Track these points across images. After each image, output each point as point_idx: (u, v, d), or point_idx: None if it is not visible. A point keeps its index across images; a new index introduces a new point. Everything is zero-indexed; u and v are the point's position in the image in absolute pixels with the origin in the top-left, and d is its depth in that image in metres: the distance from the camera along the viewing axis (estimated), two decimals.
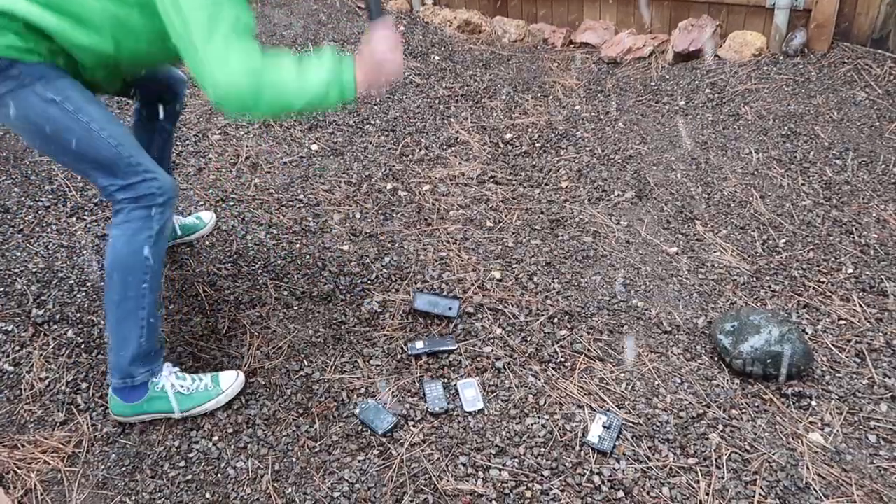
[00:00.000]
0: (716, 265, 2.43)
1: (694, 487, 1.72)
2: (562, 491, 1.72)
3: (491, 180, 2.96)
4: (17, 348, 2.16)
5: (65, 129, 1.67)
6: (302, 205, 2.80)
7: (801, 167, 2.85)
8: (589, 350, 2.11)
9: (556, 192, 2.87)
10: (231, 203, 2.81)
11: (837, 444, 1.81)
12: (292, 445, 1.87)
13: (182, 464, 1.83)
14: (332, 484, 1.76)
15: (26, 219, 2.69)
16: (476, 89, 3.68)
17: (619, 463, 1.78)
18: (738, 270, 2.39)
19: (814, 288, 2.30)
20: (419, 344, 2.12)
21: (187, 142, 3.19)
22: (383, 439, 1.87)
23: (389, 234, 2.63)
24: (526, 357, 2.09)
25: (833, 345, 2.10)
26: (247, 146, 3.18)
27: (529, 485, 1.73)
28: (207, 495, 1.76)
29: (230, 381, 1.97)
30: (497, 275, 2.41)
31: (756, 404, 1.93)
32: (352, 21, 4.44)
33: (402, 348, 2.14)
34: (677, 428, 1.86)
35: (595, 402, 1.95)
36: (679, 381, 2.00)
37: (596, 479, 1.74)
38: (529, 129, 3.31)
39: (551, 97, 3.58)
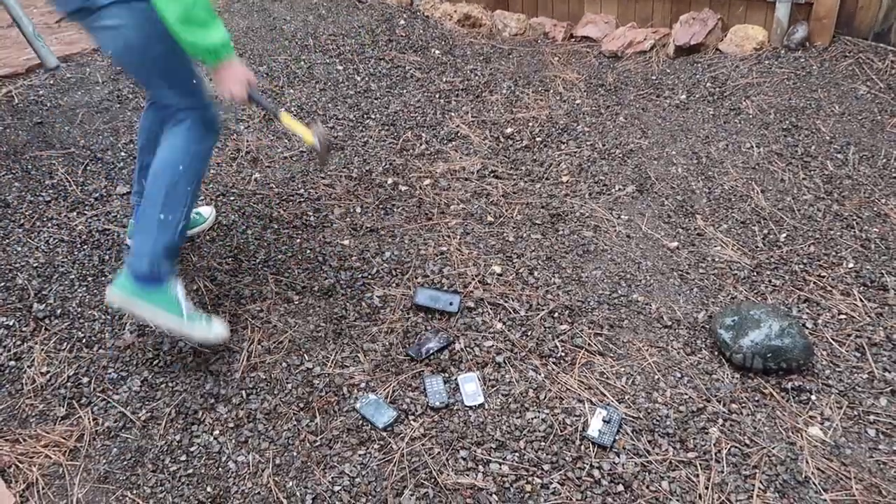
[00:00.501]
0: (716, 259, 2.43)
1: (693, 481, 1.72)
2: (562, 485, 1.72)
3: (491, 175, 2.96)
4: (19, 343, 2.17)
5: (161, 44, 1.83)
6: (302, 199, 2.80)
7: (802, 161, 2.84)
8: (589, 344, 2.11)
9: (556, 186, 2.87)
10: (231, 198, 2.81)
11: (837, 438, 1.81)
12: (293, 440, 1.87)
13: (183, 458, 1.84)
14: (332, 478, 1.77)
15: (27, 213, 2.69)
16: (476, 83, 3.68)
17: (618, 457, 1.78)
18: (739, 265, 2.39)
19: (814, 282, 2.30)
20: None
21: None
22: (384, 433, 1.87)
23: (390, 229, 2.63)
24: (526, 351, 2.10)
25: (833, 339, 2.10)
26: (247, 141, 3.17)
27: (529, 479, 1.74)
28: (208, 489, 1.76)
29: (218, 329, 2.02)
30: (497, 269, 2.41)
31: (756, 398, 1.93)
32: (351, 14, 4.42)
33: (402, 344, 2.14)
34: (677, 422, 1.86)
35: (595, 397, 1.95)
36: (679, 375, 2.01)
37: (596, 472, 1.74)
38: (530, 124, 3.30)
39: (552, 91, 3.58)
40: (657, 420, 1.87)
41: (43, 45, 3.20)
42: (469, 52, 4.02)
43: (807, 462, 1.75)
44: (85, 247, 2.55)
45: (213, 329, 2.02)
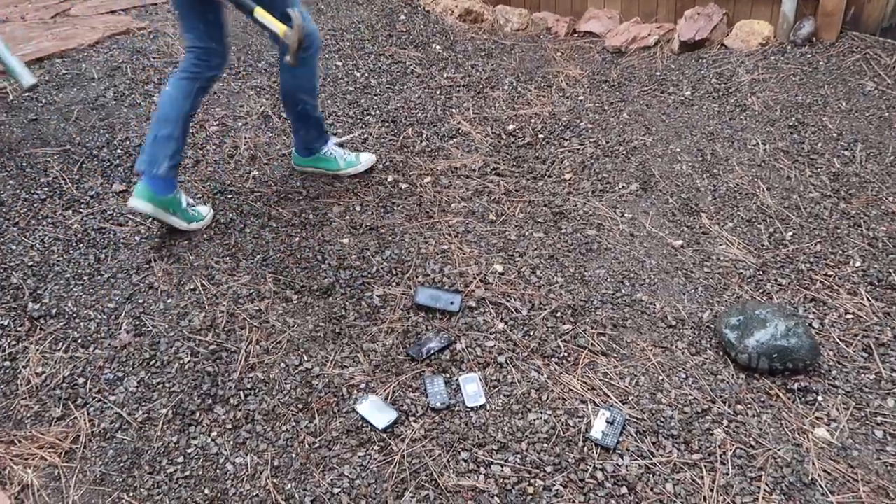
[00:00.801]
0: (721, 258, 2.42)
1: (698, 483, 1.72)
2: (564, 487, 1.72)
3: (493, 172, 2.96)
4: (14, 343, 2.17)
5: None
6: (301, 197, 2.80)
7: (808, 159, 2.84)
8: (592, 344, 2.11)
9: (559, 184, 2.87)
10: (229, 196, 2.81)
11: (844, 439, 1.81)
12: (292, 441, 1.87)
13: (180, 460, 1.84)
14: (332, 480, 1.77)
15: (21, 212, 2.69)
16: (478, 79, 3.67)
17: (622, 459, 1.78)
18: (744, 263, 2.39)
19: (821, 281, 2.29)
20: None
21: None
22: (384, 435, 1.87)
23: (390, 227, 2.63)
24: (528, 352, 2.10)
25: (840, 339, 2.10)
26: (245, 137, 3.17)
27: (532, 481, 1.74)
28: (206, 491, 1.76)
29: (367, 158, 2.91)
30: (499, 268, 2.41)
31: (762, 399, 1.93)
32: (351, 9, 4.42)
33: (402, 344, 2.14)
34: (682, 423, 1.86)
35: (598, 398, 1.95)
36: (684, 375, 2.01)
37: (599, 474, 1.74)
38: (532, 120, 3.30)
39: (555, 87, 3.57)
40: (661, 421, 1.87)
41: (17, 63, 2.91)
42: (470, 48, 4.01)
43: (813, 464, 1.75)
44: (80, 245, 2.55)
45: (362, 165, 2.90)
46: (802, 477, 1.72)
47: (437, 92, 3.57)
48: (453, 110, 3.41)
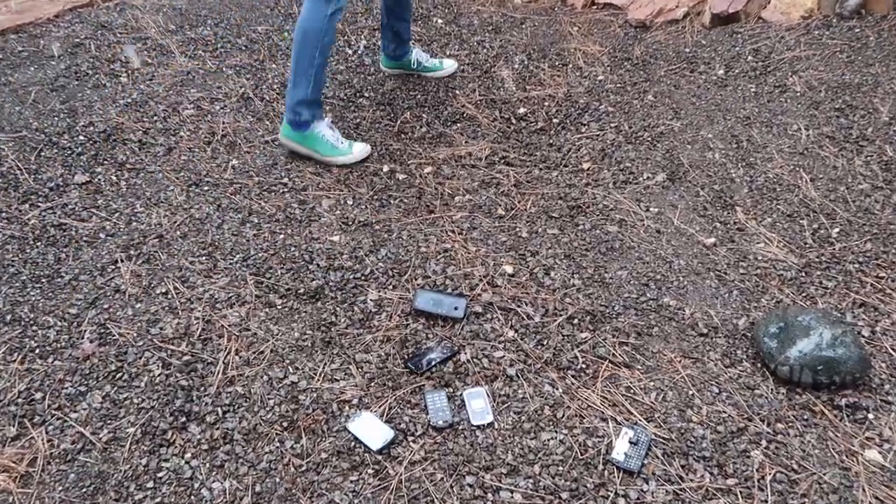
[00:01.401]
0: (759, 258, 2.42)
1: None
2: None
3: (502, 161, 2.96)
4: None
5: None
6: (286, 189, 2.80)
7: (857, 146, 2.83)
8: (614, 355, 2.11)
9: (576, 174, 2.87)
10: (206, 188, 2.81)
11: None
12: (276, 464, 1.87)
13: (150, 484, 1.84)
14: None
15: None
16: (485, 57, 3.67)
17: (647, 484, 1.77)
18: (785, 264, 2.39)
19: (872, 284, 2.29)
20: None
21: (155, 118, 3.19)
22: (379, 457, 1.87)
23: (386, 223, 2.63)
24: (542, 363, 2.09)
25: (893, 349, 2.09)
26: (223, 122, 3.17)
27: None
28: None
29: (361, 149, 2.94)
30: (509, 269, 2.41)
31: (805, 417, 1.92)
32: None
33: (400, 355, 2.14)
34: (714, 444, 1.86)
35: (620, 415, 1.94)
36: (717, 390, 2.00)
37: (621, 502, 1.74)
38: (546, 103, 3.30)
39: (571, 66, 3.57)
40: (692, 442, 1.86)
41: None
42: (476, 22, 4.01)
43: (863, 490, 1.74)
44: (38, 244, 2.54)
45: (354, 155, 2.91)
46: None
47: None
48: (457, 92, 3.41)
